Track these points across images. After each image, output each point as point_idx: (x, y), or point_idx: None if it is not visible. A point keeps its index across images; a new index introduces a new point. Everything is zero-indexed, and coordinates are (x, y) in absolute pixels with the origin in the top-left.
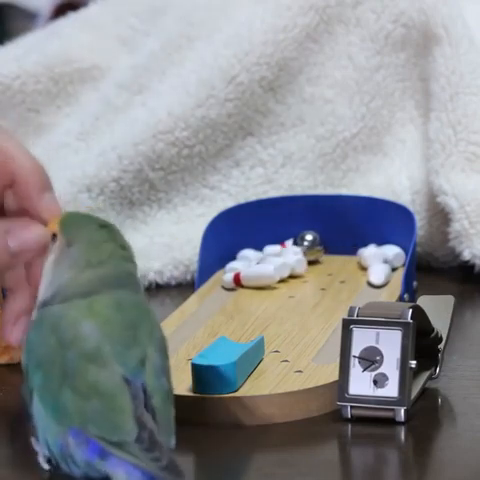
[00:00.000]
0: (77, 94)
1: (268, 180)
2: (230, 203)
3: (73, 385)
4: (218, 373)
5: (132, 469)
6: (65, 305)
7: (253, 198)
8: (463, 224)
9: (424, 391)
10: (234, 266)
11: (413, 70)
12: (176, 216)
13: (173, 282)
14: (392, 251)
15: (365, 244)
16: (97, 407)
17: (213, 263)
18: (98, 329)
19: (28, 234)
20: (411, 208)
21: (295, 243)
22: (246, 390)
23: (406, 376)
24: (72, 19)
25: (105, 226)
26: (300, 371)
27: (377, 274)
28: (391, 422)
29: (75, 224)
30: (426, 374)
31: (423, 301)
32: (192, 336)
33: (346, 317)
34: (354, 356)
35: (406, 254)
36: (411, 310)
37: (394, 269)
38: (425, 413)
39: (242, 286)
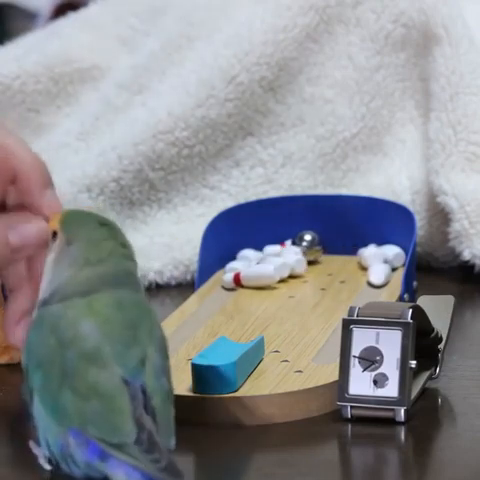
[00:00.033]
0: (77, 94)
1: (268, 180)
2: (230, 203)
3: (73, 386)
4: (218, 373)
5: (131, 470)
6: (64, 304)
7: (253, 198)
8: (463, 224)
9: (424, 391)
10: (234, 266)
11: (413, 70)
12: (176, 216)
13: (173, 282)
14: (392, 251)
15: (365, 244)
16: (96, 408)
17: (213, 263)
18: (98, 329)
19: (29, 229)
20: (411, 208)
21: (294, 243)
22: (246, 390)
23: (406, 376)
24: (72, 19)
25: (105, 224)
26: (300, 371)
27: (377, 274)
28: (391, 422)
29: (75, 222)
30: (426, 374)
31: (423, 301)
32: (192, 336)
33: (346, 317)
34: (354, 356)
35: (406, 254)
36: (411, 310)
37: (394, 269)
38: (425, 413)
39: (242, 286)
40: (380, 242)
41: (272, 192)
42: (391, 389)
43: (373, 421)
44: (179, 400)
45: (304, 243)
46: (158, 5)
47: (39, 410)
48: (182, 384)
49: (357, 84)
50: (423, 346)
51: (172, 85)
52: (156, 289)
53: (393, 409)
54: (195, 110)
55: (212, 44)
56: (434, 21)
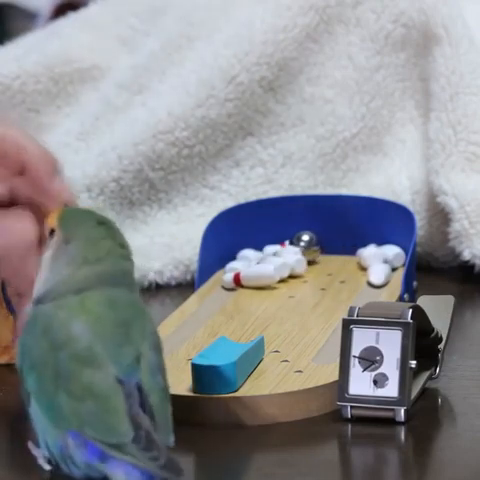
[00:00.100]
0: (77, 94)
1: (268, 180)
2: (230, 203)
3: (67, 388)
4: (218, 373)
5: (131, 469)
6: (57, 303)
7: (253, 198)
8: (463, 224)
9: (424, 391)
10: (234, 266)
11: (413, 70)
12: (176, 216)
13: (173, 282)
14: (392, 251)
15: (365, 244)
16: (92, 409)
17: (213, 263)
18: (89, 328)
19: (14, 231)
20: (411, 208)
21: (291, 243)
22: (246, 390)
23: (406, 376)
24: (72, 19)
25: (103, 223)
26: (300, 371)
27: (377, 274)
28: (391, 422)
29: (73, 220)
30: (426, 374)
31: (423, 301)
32: (192, 336)
33: (346, 317)
34: (354, 356)
35: (406, 254)
36: (411, 310)
37: (394, 269)
38: (425, 413)
39: (242, 286)
40: (380, 242)
41: (272, 192)
42: (391, 389)
43: (373, 421)
44: (179, 400)
45: (302, 243)
46: (158, 5)
47: (36, 412)
48: (182, 384)
49: (357, 84)
50: (423, 346)
51: (172, 85)
52: (156, 289)
53: (393, 409)
54: (195, 110)
55: (212, 44)
56: (434, 21)
